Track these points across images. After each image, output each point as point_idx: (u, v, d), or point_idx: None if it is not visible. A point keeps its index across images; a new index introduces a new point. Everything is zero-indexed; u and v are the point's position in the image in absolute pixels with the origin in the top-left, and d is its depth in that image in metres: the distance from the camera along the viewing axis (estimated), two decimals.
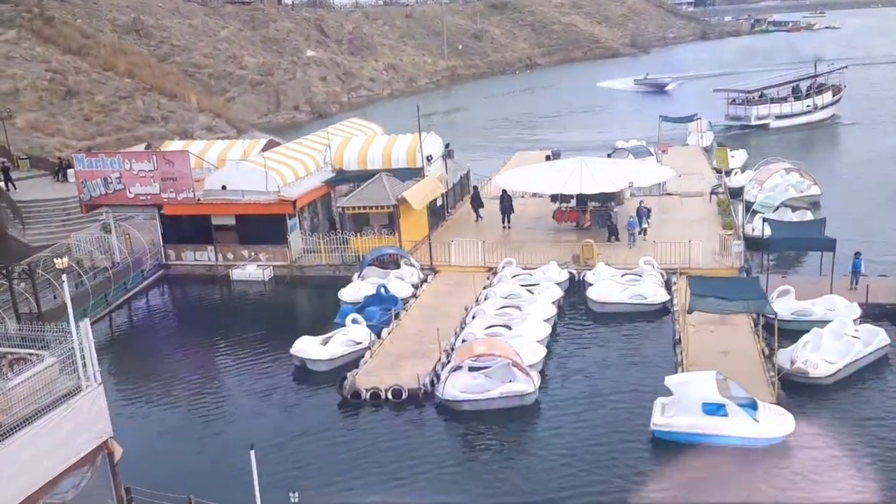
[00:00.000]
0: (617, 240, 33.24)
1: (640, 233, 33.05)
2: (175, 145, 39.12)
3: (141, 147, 42.38)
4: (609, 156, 48.24)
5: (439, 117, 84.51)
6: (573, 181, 33.81)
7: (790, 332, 23.99)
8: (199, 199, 32.99)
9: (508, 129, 73.22)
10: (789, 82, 67.55)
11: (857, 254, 27.29)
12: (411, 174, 35.29)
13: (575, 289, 29.85)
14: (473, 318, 26.03)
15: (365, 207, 32.40)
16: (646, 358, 24.19)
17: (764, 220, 28.40)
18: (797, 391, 21.31)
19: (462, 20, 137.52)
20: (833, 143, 62.11)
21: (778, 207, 35.68)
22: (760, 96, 65.61)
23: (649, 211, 33.93)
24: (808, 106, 64.80)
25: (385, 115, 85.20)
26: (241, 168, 33.21)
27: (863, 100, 73.12)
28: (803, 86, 66.61)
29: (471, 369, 22.26)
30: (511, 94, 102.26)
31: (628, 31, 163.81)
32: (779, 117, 63.94)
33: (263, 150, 37.51)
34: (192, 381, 24.76)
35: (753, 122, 63.73)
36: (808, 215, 35.05)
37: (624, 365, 23.82)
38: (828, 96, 66.37)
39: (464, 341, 23.91)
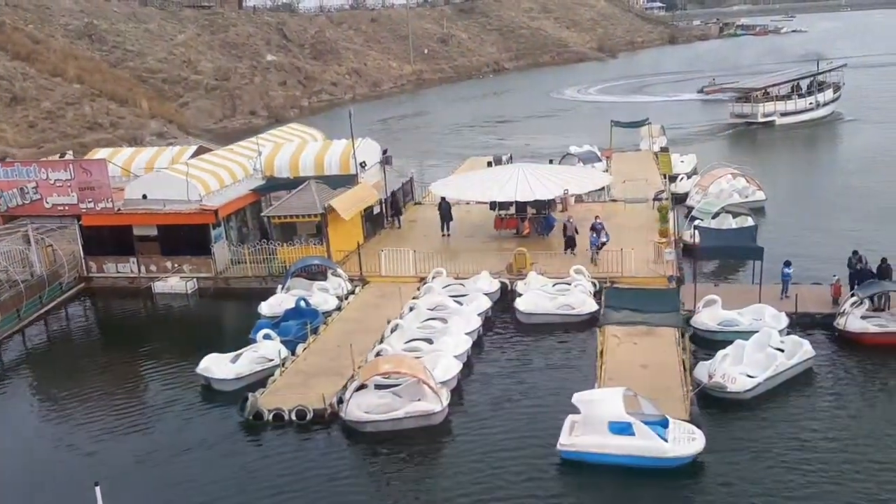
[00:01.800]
0: (573, 253, 31.56)
1: (599, 248, 31.20)
2: (101, 153, 37.81)
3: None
4: (560, 161, 47.88)
5: (400, 122, 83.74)
6: (509, 188, 33.00)
7: (716, 344, 23.36)
8: (118, 210, 31.78)
9: (468, 135, 72.49)
10: (791, 80, 68.97)
11: (787, 262, 26.67)
12: (345, 181, 34.33)
13: (506, 299, 29.00)
14: (393, 332, 25.05)
15: (291, 216, 31.36)
16: (567, 372, 23.32)
17: (695, 227, 27.73)
18: (714, 406, 20.59)
19: (429, 24, 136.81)
20: (825, 140, 62.57)
21: (718, 213, 35.01)
22: (765, 94, 66.69)
23: (602, 225, 32.68)
24: (811, 103, 66.54)
25: (344, 119, 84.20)
26: (161, 176, 32.08)
27: (859, 97, 74.16)
28: (804, 84, 68.28)
29: (381, 387, 21.32)
30: (476, 98, 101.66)
31: (597, 35, 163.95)
32: (784, 114, 65.43)
33: (193, 156, 36.32)
34: (90, 400, 23.56)
35: (760, 119, 65.09)
36: (749, 221, 34.42)
37: (543, 380, 22.94)
38: (829, 94, 68.16)
39: (378, 356, 22.93)
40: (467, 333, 24.87)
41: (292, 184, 33.78)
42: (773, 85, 68.48)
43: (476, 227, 36.80)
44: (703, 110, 76.64)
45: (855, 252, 26.51)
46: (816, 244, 32.94)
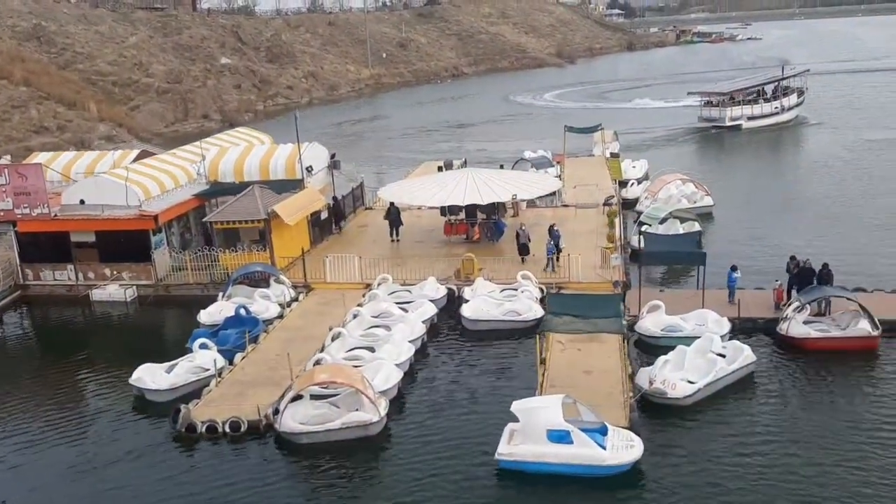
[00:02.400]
0: (523, 260, 31.04)
1: (556, 256, 30.72)
2: (40, 157, 36.73)
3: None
4: (513, 166, 47.80)
5: (355, 126, 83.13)
6: (457, 193, 32.71)
7: (660, 349, 23.28)
8: (55, 215, 30.83)
9: (424, 139, 72.27)
10: (758, 85, 70.71)
11: (734, 267, 26.76)
12: (290, 186, 33.75)
13: (453, 305, 28.67)
14: (334, 340, 24.56)
15: (233, 222, 30.69)
16: (511, 379, 23.03)
17: (640, 232, 27.69)
18: (654, 413, 20.47)
19: (387, 28, 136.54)
20: (784, 144, 63.58)
21: (666, 219, 35.12)
22: (731, 98, 68.16)
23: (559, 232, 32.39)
24: (776, 108, 68.45)
25: (299, 123, 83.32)
26: (99, 181, 31.19)
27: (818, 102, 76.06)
28: (769, 89, 70.18)
29: (318, 398, 20.82)
30: (434, 103, 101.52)
31: (555, 41, 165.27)
32: (750, 118, 67.18)
33: (135, 161, 35.44)
34: (19, 412, 22.66)
35: (728, 123, 66.57)
36: (696, 227, 34.65)
37: (486, 387, 22.64)
38: (793, 98, 70.22)
39: (317, 365, 22.42)
40: (411, 341, 24.48)
41: (237, 189, 33.11)
42: (746, 89, 70.26)
43: (426, 233, 36.45)
44: (674, 115, 77.45)
45: (792, 257, 26.68)
46: (762, 249, 33.23)
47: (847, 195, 42.60)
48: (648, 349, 24.11)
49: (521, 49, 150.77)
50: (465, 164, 52.81)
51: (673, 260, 28.40)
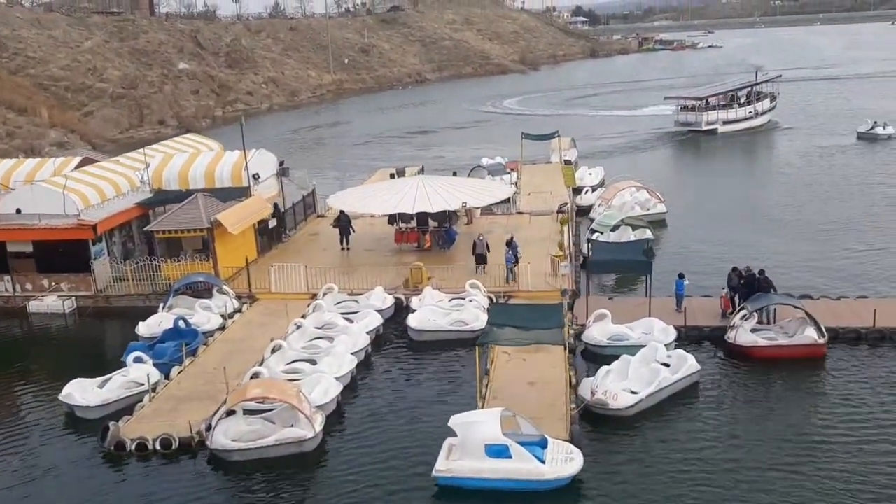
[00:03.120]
0: (484, 271, 30.26)
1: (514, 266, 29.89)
2: None
3: None
4: (469, 172, 47.52)
5: (313, 132, 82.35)
6: (407, 201, 32.27)
7: (607, 359, 23.01)
8: None
9: (384, 145, 71.76)
10: (732, 90, 72.24)
11: (681, 275, 26.63)
12: (237, 194, 33.05)
13: (401, 315, 28.17)
14: (273, 353, 23.93)
15: (175, 231, 29.91)
16: (456, 391, 22.60)
17: (588, 240, 27.47)
18: (596, 424, 20.17)
19: (350, 34, 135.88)
20: (750, 149, 64.16)
21: (618, 226, 35.03)
22: (707, 103, 69.50)
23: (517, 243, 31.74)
24: (750, 112, 70.07)
25: (258, 129, 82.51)
26: (36, 190, 30.23)
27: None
28: (743, 93, 71.96)
29: (253, 413, 20.20)
30: (395, 109, 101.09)
31: (519, 48, 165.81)
32: (726, 122, 68.55)
33: (77, 168, 34.47)
34: None
35: (704, 128, 67.82)
36: (648, 234, 34.56)
37: (429, 400, 22.16)
38: (766, 103, 72.19)
39: (254, 378, 21.79)
40: (354, 353, 23.96)
41: (182, 197, 32.31)
42: (721, 94, 71.75)
43: (378, 241, 35.95)
44: (636, 122, 78.24)
45: (734, 269, 26.56)
46: (712, 256, 33.20)
47: (798, 201, 42.90)
48: (595, 359, 23.85)
49: (484, 56, 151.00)
50: (422, 171, 52.49)
51: (619, 268, 28.19)
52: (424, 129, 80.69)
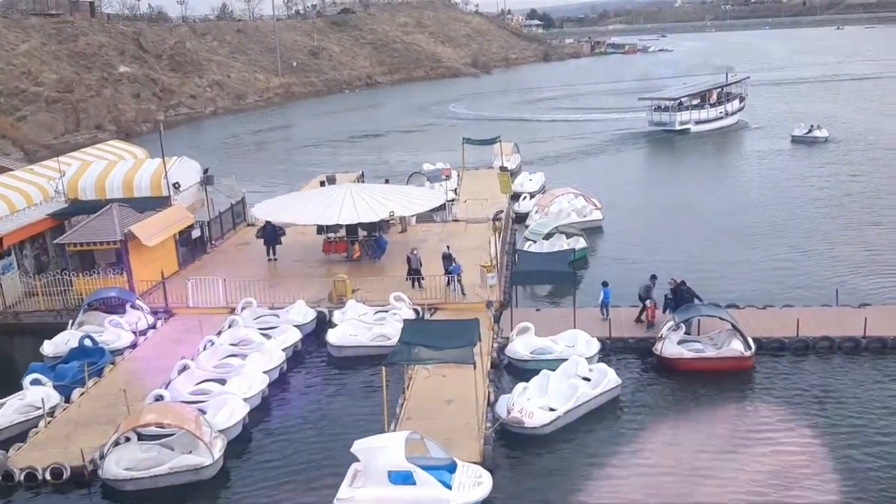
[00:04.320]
0: (420, 286, 28.90)
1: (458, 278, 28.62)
2: None
3: None
4: (408, 179, 46.80)
5: (255, 136, 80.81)
6: (333, 210, 31.36)
7: (530, 373, 22.38)
8: None
9: (328, 150, 70.68)
10: (703, 91, 74.03)
11: (605, 283, 26.17)
12: (156, 204, 31.82)
13: (324, 330, 27.17)
14: (181, 372, 22.85)
15: (87, 243, 28.60)
16: (372, 412, 21.53)
17: (514, 251, 26.87)
18: (512, 444, 19.52)
19: (299, 36, 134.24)
20: (710, 151, 65.07)
21: (552, 234, 34.59)
22: (680, 104, 71.01)
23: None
24: (721, 112, 72.04)
25: (202, 133, 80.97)
26: None
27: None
28: (715, 94, 73.94)
29: (150, 439, 19.14)
30: (344, 112, 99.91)
31: (471, 51, 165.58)
32: (698, 122, 70.17)
33: None
34: None
35: (677, 127, 69.40)
36: (581, 242, 34.18)
37: (344, 422, 21.23)
38: (735, 104, 74.37)
39: (157, 401, 20.73)
40: (266, 371, 23.01)
41: (98, 207, 30.95)
42: (697, 94, 73.53)
43: (307, 251, 34.93)
44: (622, 120, 79.32)
45: (653, 276, 26.14)
46: (643, 264, 32.67)
47: (733, 207, 42.82)
48: (519, 373, 23.22)
49: (436, 58, 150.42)
50: (361, 178, 51.67)
51: (543, 279, 27.62)
52: (372, 133, 79.76)
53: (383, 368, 18.79)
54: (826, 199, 43.50)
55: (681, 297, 25.41)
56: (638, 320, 25.68)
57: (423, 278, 29.06)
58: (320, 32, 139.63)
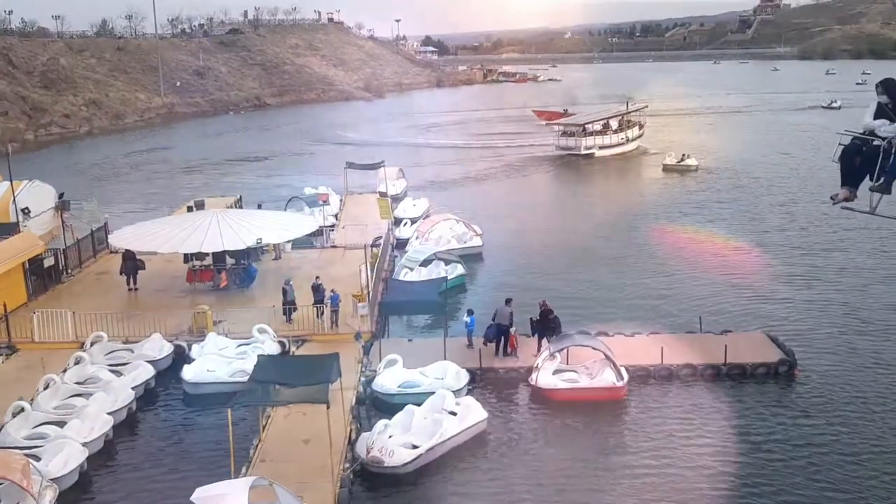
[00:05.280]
0: (289, 320, 27.51)
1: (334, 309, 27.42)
2: None
3: None
4: (286, 204, 45.55)
5: (128, 158, 77.19)
6: (197, 237, 29.80)
7: (397, 408, 21.56)
8: None
9: (207, 173, 68.18)
10: (607, 118, 77.23)
11: (470, 311, 25.75)
12: (2, 231, 29.38)
13: (182, 365, 25.50)
14: (15, 415, 20.85)
15: None
16: (222, 455, 20.12)
17: (384, 279, 26.13)
18: (373, 485, 18.66)
19: (184, 56, 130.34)
20: (600, 175, 67.23)
21: (430, 261, 34.04)
22: (584, 129, 73.58)
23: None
24: (623, 138, 75.37)
25: (73, 154, 77.01)
26: None
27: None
28: (615, 122, 77.24)
29: None
30: (228, 134, 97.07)
31: (364, 75, 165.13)
32: (602, 147, 73.36)
33: None
34: None
35: (583, 151, 72.27)
36: (459, 269, 33.83)
37: (191, 467, 19.76)
38: (636, 130, 77.94)
39: None
40: (112, 412, 21.30)
41: None
42: (598, 121, 76.36)
43: (172, 280, 33.08)
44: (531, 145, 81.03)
45: (508, 300, 25.94)
46: (519, 291, 32.61)
47: (608, 232, 43.59)
48: (386, 408, 22.35)
49: (327, 81, 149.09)
50: (239, 202, 49.95)
51: (412, 309, 26.96)
52: (255, 155, 77.61)
53: (228, 411, 17.54)
54: (694, 226, 44.87)
55: (547, 322, 25.24)
56: (503, 352, 25.23)
57: (295, 309, 27.88)
58: (207, 52, 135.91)
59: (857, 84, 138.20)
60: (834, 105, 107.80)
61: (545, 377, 23.53)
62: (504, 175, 66.13)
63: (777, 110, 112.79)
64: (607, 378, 23.19)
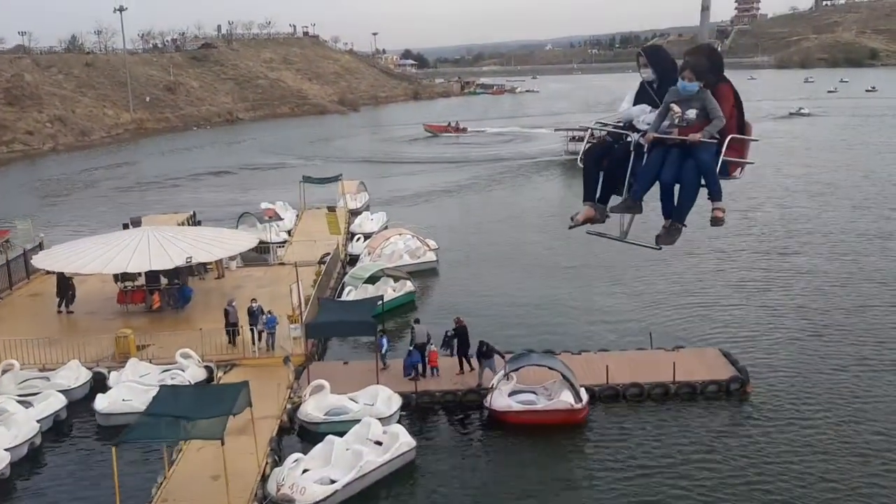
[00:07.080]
0: (232, 343, 25.95)
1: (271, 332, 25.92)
2: None
3: None
4: (238, 220, 44.06)
5: (90, 175, 75.27)
6: (124, 257, 28.27)
7: (322, 438, 20.06)
8: None
9: (168, 190, 66.33)
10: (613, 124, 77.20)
11: (382, 331, 24.37)
12: None
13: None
14: None
15: None
16: (135, 495, 18.65)
17: (318, 299, 24.72)
18: None
19: (155, 71, 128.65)
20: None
21: (378, 277, 32.63)
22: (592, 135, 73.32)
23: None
24: None
25: (38, 171, 75.42)
26: None
27: None
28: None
29: None
30: (196, 149, 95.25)
31: (339, 89, 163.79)
32: None
33: None
34: None
35: None
36: (408, 286, 32.45)
37: None
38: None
39: None
40: (11, 448, 19.70)
41: None
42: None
43: (105, 302, 31.47)
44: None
45: (416, 320, 24.82)
46: (470, 307, 31.18)
47: (559, 244, 41.78)
48: (312, 438, 20.86)
49: (301, 95, 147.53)
50: (192, 217, 48.46)
51: (342, 331, 25.49)
52: (218, 171, 75.88)
53: (113, 449, 15.97)
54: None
55: (464, 337, 23.95)
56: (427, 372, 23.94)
57: (238, 333, 26.32)
58: (178, 67, 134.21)
59: (829, 91, 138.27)
60: (803, 111, 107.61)
61: (500, 399, 22.05)
62: (496, 182, 65.05)
63: (754, 119, 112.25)
64: (564, 399, 21.67)
